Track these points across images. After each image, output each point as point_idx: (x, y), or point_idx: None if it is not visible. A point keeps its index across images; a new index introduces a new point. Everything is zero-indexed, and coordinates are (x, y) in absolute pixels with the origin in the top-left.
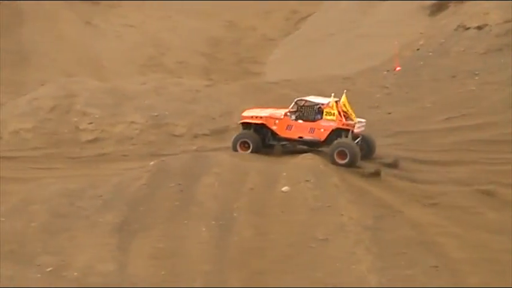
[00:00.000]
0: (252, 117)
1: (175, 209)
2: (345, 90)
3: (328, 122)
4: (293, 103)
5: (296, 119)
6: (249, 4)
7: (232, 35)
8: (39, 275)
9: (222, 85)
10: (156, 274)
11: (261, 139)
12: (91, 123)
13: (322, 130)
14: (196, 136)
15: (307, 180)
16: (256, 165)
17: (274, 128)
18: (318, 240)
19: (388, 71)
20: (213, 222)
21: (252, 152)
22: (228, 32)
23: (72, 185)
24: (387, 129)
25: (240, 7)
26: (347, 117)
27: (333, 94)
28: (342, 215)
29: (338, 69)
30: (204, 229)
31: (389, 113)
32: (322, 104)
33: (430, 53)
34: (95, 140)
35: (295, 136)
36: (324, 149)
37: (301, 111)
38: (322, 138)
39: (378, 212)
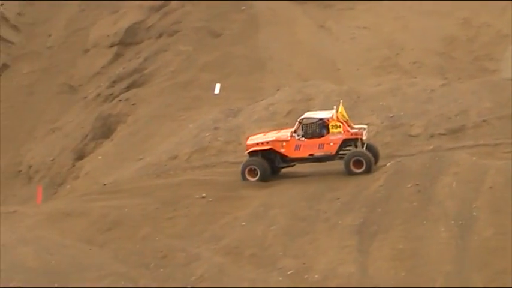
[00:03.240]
0: (258, 144)
1: (413, 209)
2: (341, 100)
3: (336, 135)
4: (296, 123)
5: (303, 138)
6: (484, 1)
7: (466, 32)
8: (280, 278)
9: (457, 84)
10: (397, 275)
11: (270, 164)
12: None
13: (331, 144)
14: (432, 136)
15: None
16: (496, 163)
17: (282, 150)
18: None
19: None
20: (452, 222)
21: (260, 179)
22: (462, 29)
23: (310, 188)
24: None
25: (473, 4)
26: (348, 125)
27: (334, 106)
28: None
29: None
30: (443, 229)
31: None
32: (326, 118)
33: None
34: None
35: (306, 155)
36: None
37: (306, 129)
38: (333, 152)
39: None
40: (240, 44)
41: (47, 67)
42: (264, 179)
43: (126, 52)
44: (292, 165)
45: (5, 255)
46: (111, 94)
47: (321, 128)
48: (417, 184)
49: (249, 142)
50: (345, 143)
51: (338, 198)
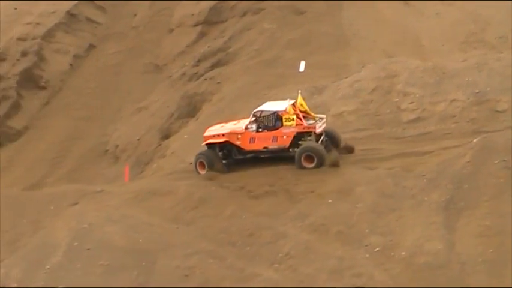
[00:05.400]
0: (214, 136)
1: (500, 185)
2: (299, 90)
3: (289, 128)
4: (251, 115)
5: (257, 131)
6: None
7: None
8: (367, 255)
9: None
10: (484, 252)
11: (228, 156)
12: (412, 102)
13: (284, 137)
14: None
15: None
16: None
17: (238, 143)
18: None
19: None
20: None
21: (209, 170)
22: None
23: (396, 165)
24: None
25: None
26: (305, 117)
27: (288, 99)
28: None
29: None
30: None
31: None
32: (280, 111)
33: None
34: (416, 120)
35: (260, 147)
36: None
37: (261, 122)
38: (287, 145)
39: None
40: (324, 21)
41: (132, 47)
42: (214, 170)
43: (210, 31)
44: (248, 158)
45: (92, 234)
46: (196, 73)
47: (275, 120)
48: (504, 160)
49: (206, 134)
50: (300, 136)
51: (424, 175)
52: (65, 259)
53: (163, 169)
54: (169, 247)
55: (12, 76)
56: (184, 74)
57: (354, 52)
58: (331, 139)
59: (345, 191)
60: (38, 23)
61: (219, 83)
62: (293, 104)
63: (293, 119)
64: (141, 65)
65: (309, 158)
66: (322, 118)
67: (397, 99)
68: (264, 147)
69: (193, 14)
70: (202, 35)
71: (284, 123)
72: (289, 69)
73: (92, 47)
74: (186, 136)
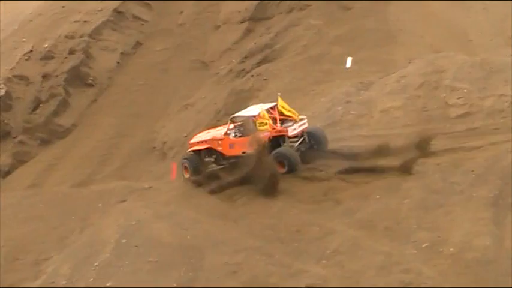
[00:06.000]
0: (198, 142)
1: None
2: (279, 93)
3: (263, 132)
4: (229, 121)
5: (236, 136)
6: None
7: None
8: (415, 251)
9: None
10: None
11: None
12: (460, 97)
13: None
14: None
15: None
16: None
17: (219, 149)
18: None
19: None
20: None
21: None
22: None
23: (445, 160)
24: None
25: None
26: (286, 119)
27: (260, 105)
28: None
29: None
30: None
31: None
32: (254, 116)
33: None
34: (464, 115)
35: (239, 153)
36: None
37: (239, 127)
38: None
39: None
40: (370, 16)
41: (179, 44)
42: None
43: (256, 27)
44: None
45: (140, 231)
46: (243, 69)
47: (253, 125)
48: None
49: (192, 141)
50: (275, 140)
51: (472, 171)
52: (113, 256)
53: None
54: (217, 244)
55: (60, 74)
56: (231, 70)
57: (400, 47)
58: (315, 139)
59: (392, 187)
60: (85, 21)
61: (265, 79)
62: (272, 108)
63: (266, 123)
64: (187, 62)
65: (280, 163)
66: (302, 119)
67: (445, 95)
68: (243, 152)
69: (239, 11)
70: (248, 31)
71: (258, 127)
72: (336, 65)
73: (138, 44)
74: None
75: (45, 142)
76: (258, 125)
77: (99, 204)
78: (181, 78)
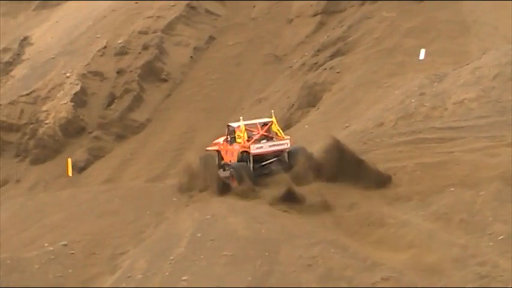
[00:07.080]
0: (214, 144)
1: None
2: (272, 111)
3: (237, 146)
4: (227, 128)
5: (230, 144)
6: None
7: None
8: (491, 243)
9: None
10: None
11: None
12: None
13: (234, 154)
14: None
15: None
16: None
17: (223, 153)
18: None
19: None
20: None
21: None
22: None
23: None
24: None
25: None
26: (271, 137)
27: (241, 117)
28: None
29: None
30: None
31: None
32: (235, 128)
33: None
34: None
35: (228, 160)
36: None
37: (231, 136)
38: (235, 161)
39: None
40: (443, 8)
41: (252, 38)
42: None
43: (329, 21)
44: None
45: (216, 224)
46: (316, 63)
47: (232, 137)
48: None
49: (208, 148)
50: (246, 155)
51: None
52: (188, 250)
53: None
54: (292, 237)
55: (134, 69)
56: (304, 64)
57: (474, 39)
58: (292, 160)
59: (467, 179)
60: (158, 16)
61: (338, 72)
62: (265, 124)
63: (240, 137)
64: (260, 56)
65: (233, 177)
66: (281, 139)
67: None
68: (230, 161)
69: (311, 5)
70: (321, 24)
71: (236, 140)
72: (409, 57)
73: (212, 38)
74: (306, 126)
75: (120, 137)
76: (236, 137)
77: (174, 199)
78: (254, 72)
